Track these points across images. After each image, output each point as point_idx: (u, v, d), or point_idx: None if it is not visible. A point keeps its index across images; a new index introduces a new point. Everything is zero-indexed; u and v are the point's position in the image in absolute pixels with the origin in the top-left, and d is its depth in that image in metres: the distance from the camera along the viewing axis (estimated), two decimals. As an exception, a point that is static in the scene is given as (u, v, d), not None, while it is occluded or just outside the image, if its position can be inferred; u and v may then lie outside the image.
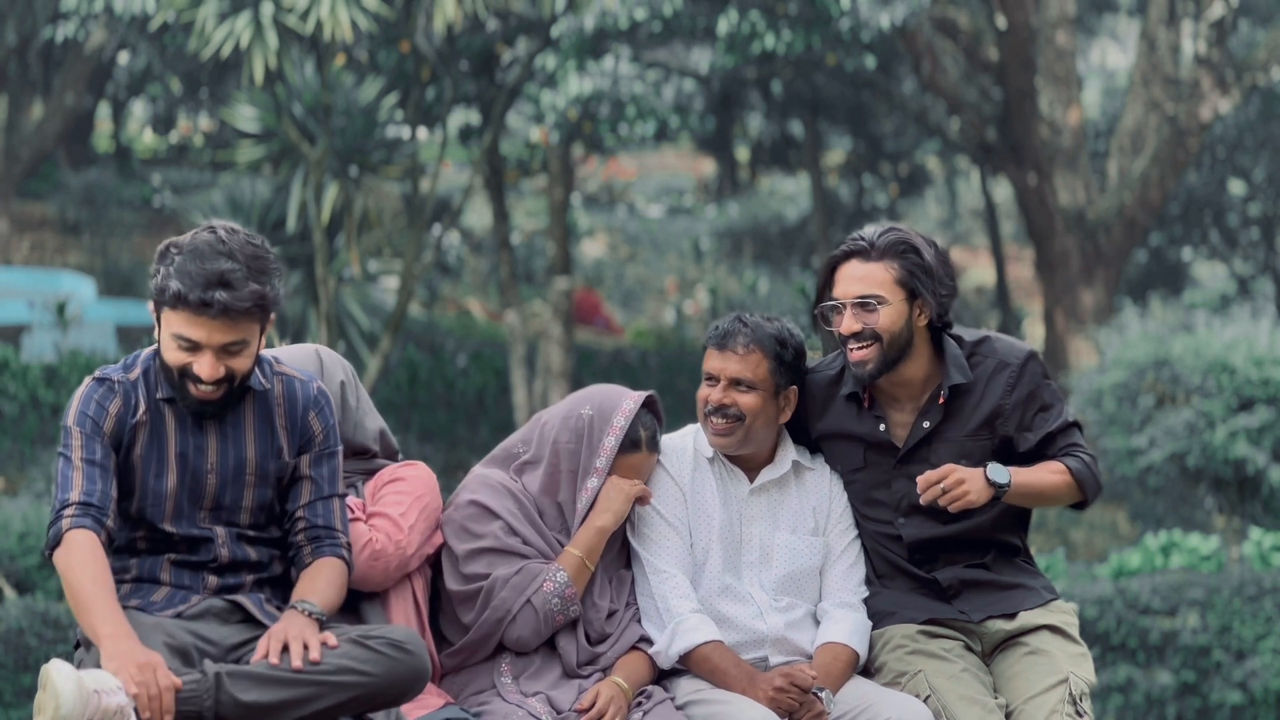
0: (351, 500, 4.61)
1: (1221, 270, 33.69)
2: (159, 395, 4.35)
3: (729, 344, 4.73)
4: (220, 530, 4.37)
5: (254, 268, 4.24)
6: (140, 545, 4.37)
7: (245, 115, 18.23)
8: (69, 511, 4.23)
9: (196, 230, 4.31)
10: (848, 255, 4.76)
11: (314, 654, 4.11)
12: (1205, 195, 28.68)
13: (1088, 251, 22.18)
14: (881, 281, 4.71)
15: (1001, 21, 22.46)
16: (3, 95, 27.62)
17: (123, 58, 29.33)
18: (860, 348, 4.71)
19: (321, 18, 15.56)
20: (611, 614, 4.72)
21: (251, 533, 4.41)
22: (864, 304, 4.70)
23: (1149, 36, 22.25)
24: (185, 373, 4.28)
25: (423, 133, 21.20)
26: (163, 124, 34.88)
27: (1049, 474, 4.77)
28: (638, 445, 4.73)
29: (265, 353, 4.55)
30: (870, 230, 4.79)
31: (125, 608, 4.23)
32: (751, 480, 4.83)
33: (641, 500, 4.75)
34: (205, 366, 4.25)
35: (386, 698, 4.20)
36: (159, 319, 4.28)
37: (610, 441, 4.71)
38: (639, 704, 4.60)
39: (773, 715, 4.54)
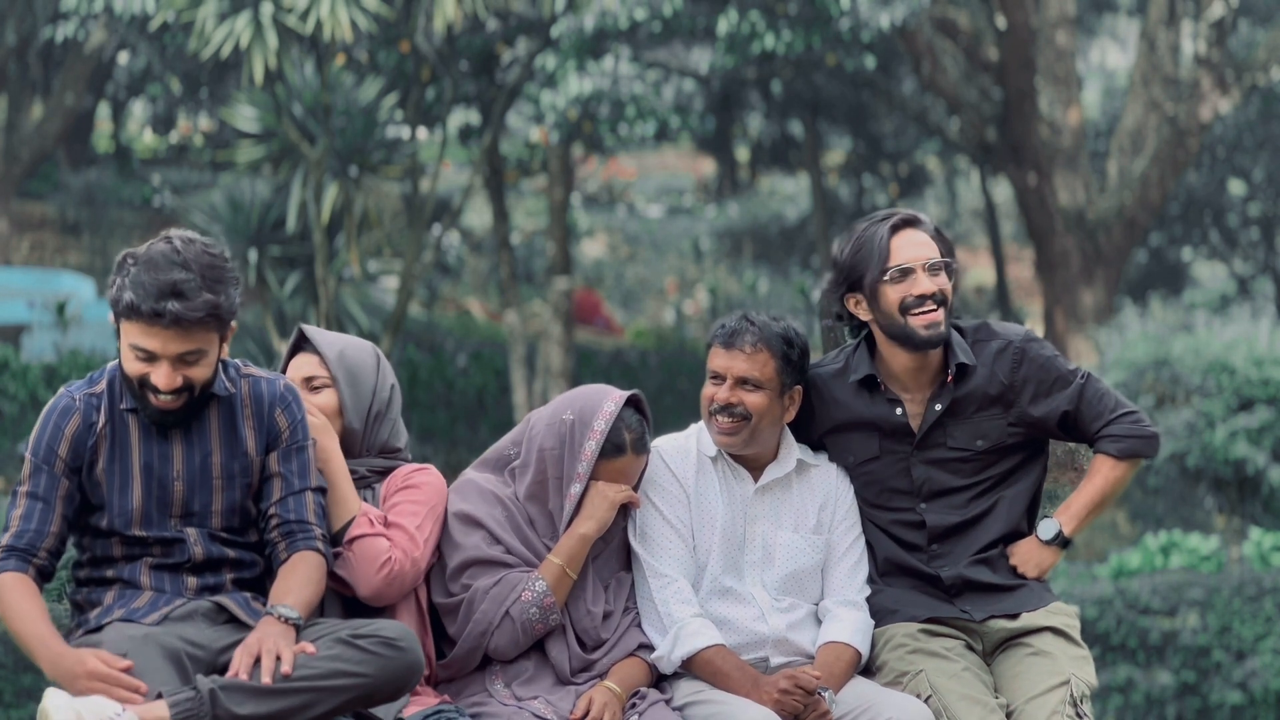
0: (371, 511, 4.54)
1: (1221, 270, 33.70)
2: (123, 406, 4.36)
3: (736, 342, 4.70)
4: (192, 531, 4.36)
5: (208, 277, 4.23)
6: (117, 552, 4.37)
7: (245, 115, 18.22)
8: None
9: (153, 241, 4.30)
10: (905, 223, 4.80)
11: (285, 667, 4.08)
12: (1205, 195, 28.69)
13: (1088, 251, 22.19)
14: (939, 251, 4.79)
15: (1001, 21, 22.46)
16: (3, 95, 27.62)
17: (123, 58, 29.32)
18: (933, 310, 4.73)
19: (321, 18, 15.56)
20: (607, 616, 4.68)
21: (225, 535, 4.39)
22: (934, 267, 4.76)
23: (1149, 36, 22.26)
24: (144, 383, 4.28)
25: (423, 133, 21.19)
26: (163, 124, 34.87)
27: (1099, 480, 4.83)
28: (621, 449, 4.64)
29: (329, 338, 4.68)
30: (899, 209, 4.85)
31: (111, 619, 4.26)
32: (756, 479, 4.80)
33: (630, 504, 4.69)
34: (162, 376, 4.25)
35: (383, 695, 4.19)
36: (118, 329, 4.30)
37: (590, 446, 4.62)
38: (633, 705, 4.57)
39: (773, 716, 4.54)
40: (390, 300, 20.12)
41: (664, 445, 4.83)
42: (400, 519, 4.54)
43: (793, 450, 4.84)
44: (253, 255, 17.62)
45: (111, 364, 4.42)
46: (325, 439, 4.56)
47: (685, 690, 4.66)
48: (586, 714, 4.49)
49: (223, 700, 4.05)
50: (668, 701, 4.62)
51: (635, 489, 4.72)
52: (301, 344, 4.72)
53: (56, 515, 4.33)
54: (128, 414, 4.36)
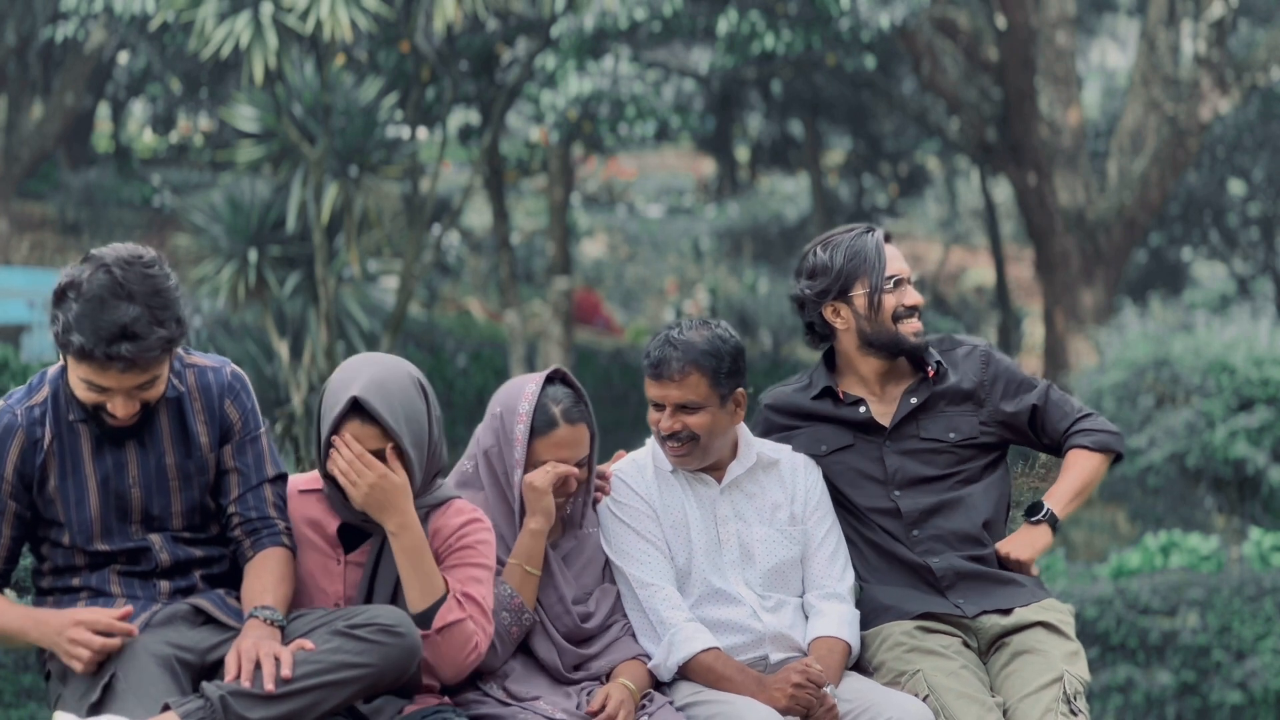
0: (454, 588, 4.32)
1: (1221, 270, 33.71)
2: (71, 417, 4.25)
3: (664, 372, 4.70)
4: (155, 537, 4.30)
5: (155, 306, 4.07)
6: (80, 562, 4.32)
7: (245, 115, 18.21)
8: None
9: (92, 270, 4.08)
10: (888, 237, 5.00)
11: (285, 670, 4.04)
12: (1205, 195, 28.69)
13: (1088, 251, 22.19)
14: None
15: (1001, 21, 22.46)
16: (3, 95, 27.63)
17: (123, 58, 29.33)
18: (917, 318, 4.95)
19: (321, 18, 15.56)
20: (586, 618, 4.67)
21: (188, 534, 4.33)
22: (913, 282, 5.01)
23: (1149, 36, 22.26)
24: (99, 408, 4.18)
25: (423, 133, 21.19)
26: (163, 124, 34.86)
27: (1076, 470, 4.97)
28: (553, 423, 4.59)
29: (388, 404, 4.29)
30: (871, 225, 5.04)
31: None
32: (719, 480, 4.82)
33: (567, 478, 4.60)
34: (119, 407, 4.16)
35: (387, 682, 4.17)
36: (65, 357, 4.15)
37: (520, 429, 4.58)
38: (642, 707, 4.55)
39: (775, 714, 4.54)
40: (390, 300, 20.10)
41: (622, 467, 4.85)
42: (472, 590, 4.35)
43: (752, 446, 4.86)
44: (253, 255, 17.61)
45: (53, 369, 4.29)
46: (404, 503, 4.29)
47: (685, 691, 4.65)
48: (602, 709, 4.47)
49: (234, 706, 4.01)
50: (670, 704, 4.62)
51: (587, 463, 4.67)
52: (355, 409, 4.33)
53: (5, 539, 4.31)
54: (77, 425, 4.25)
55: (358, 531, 4.46)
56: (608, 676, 4.64)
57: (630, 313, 33.27)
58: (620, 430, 23.31)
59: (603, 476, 4.86)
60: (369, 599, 4.40)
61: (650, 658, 4.68)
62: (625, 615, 4.73)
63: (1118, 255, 22.37)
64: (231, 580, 4.38)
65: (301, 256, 18.00)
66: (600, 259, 35.09)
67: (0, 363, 19.80)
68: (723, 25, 18.31)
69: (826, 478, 4.95)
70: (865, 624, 4.85)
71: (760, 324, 29.46)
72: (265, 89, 17.17)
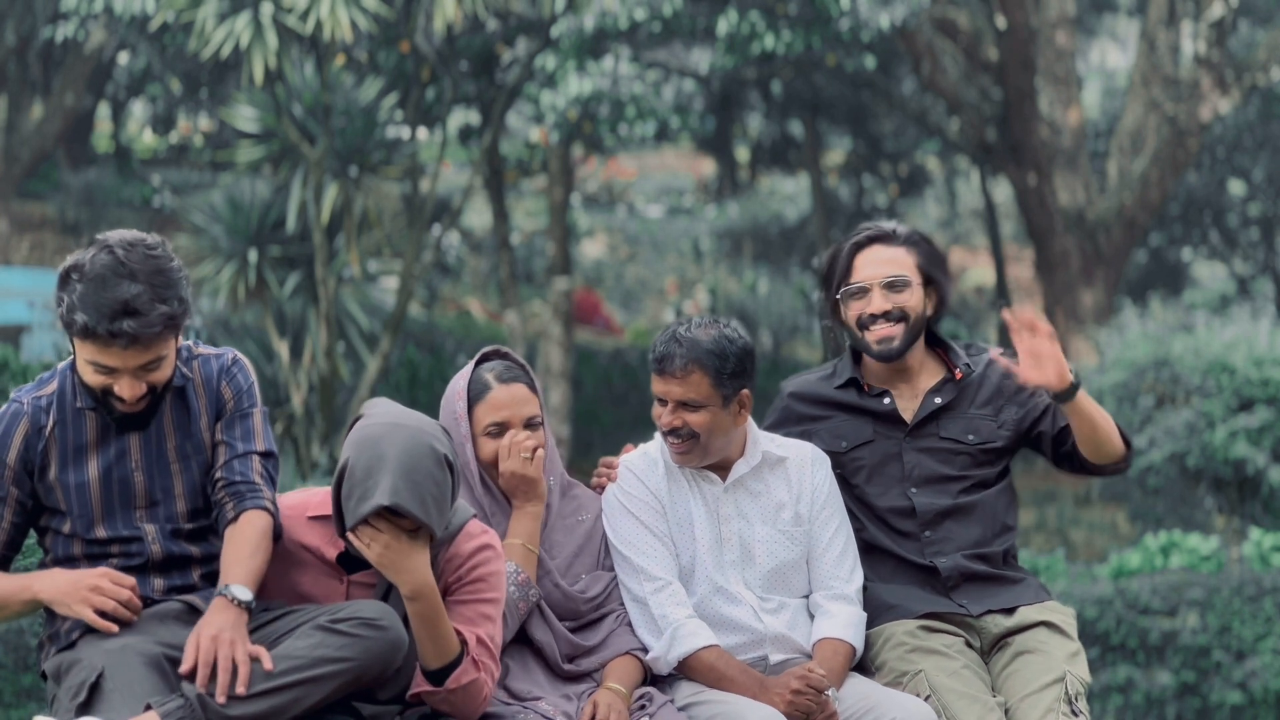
0: (466, 634, 4.29)
1: (1221, 270, 33.70)
2: (79, 405, 4.30)
3: (667, 368, 4.73)
4: (150, 528, 4.32)
5: (157, 284, 4.14)
6: (77, 551, 4.34)
7: (245, 115, 18.20)
8: None
9: (96, 251, 4.17)
10: (870, 240, 4.97)
11: (240, 687, 4.02)
12: (1205, 195, 28.69)
13: (1088, 251, 22.19)
14: (906, 265, 4.95)
15: (1001, 21, 22.46)
16: (3, 95, 27.63)
17: (123, 58, 29.31)
18: (888, 325, 4.91)
19: (321, 18, 15.56)
20: (576, 594, 4.69)
21: (189, 525, 4.35)
22: (893, 284, 4.92)
23: (1149, 36, 22.26)
24: (108, 392, 4.24)
25: (423, 133, 21.18)
26: (162, 124, 34.83)
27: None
28: (487, 386, 4.66)
29: (418, 500, 4.18)
30: (883, 222, 5.03)
31: (82, 632, 4.23)
32: (724, 479, 4.84)
33: (536, 449, 4.64)
34: (126, 388, 4.21)
35: (370, 676, 4.17)
36: (72, 342, 4.21)
37: (460, 406, 4.66)
38: (641, 707, 4.56)
39: (777, 714, 4.53)
40: (390, 300, 20.08)
41: (632, 459, 4.87)
42: (482, 631, 4.34)
43: (758, 444, 4.86)
44: (253, 255, 17.60)
45: (63, 364, 4.35)
46: (421, 568, 4.21)
47: (686, 690, 4.65)
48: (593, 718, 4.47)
49: (212, 704, 4.01)
50: (671, 702, 4.62)
51: (534, 424, 4.68)
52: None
53: (6, 524, 4.35)
54: (85, 412, 4.30)
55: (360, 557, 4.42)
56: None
57: (630, 313, 33.27)
58: (620, 430, 23.28)
59: (610, 465, 4.89)
60: None
61: (646, 650, 4.68)
62: (620, 605, 4.74)
63: (1118, 255, 22.37)
64: None
65: (301, 256, 17.99)
66: (600, 259, 35.09)
67: (0, 363, 19.80)
68: (723, 25, 18.31)
69: (843, 475, 4.96)
70: (868, 623, 4.85)
71: (760, 324, 29.46)
72: (265, 89, 17.17)
